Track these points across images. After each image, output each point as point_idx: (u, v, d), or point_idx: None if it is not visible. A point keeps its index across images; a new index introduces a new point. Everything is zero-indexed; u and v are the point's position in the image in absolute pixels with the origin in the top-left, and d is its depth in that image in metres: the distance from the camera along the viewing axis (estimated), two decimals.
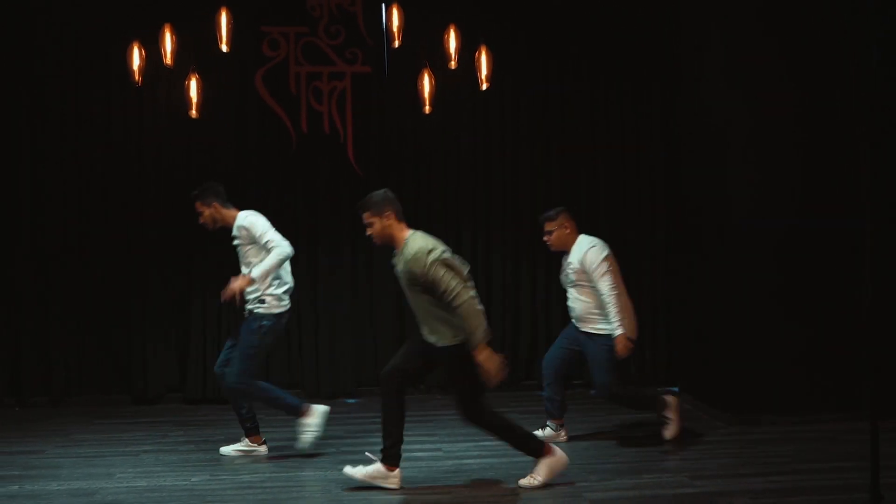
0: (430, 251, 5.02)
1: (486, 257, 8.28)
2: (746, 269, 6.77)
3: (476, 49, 7.69)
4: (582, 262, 6.22)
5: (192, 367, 8.01)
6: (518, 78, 8.20)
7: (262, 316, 6.01)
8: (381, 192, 5.30)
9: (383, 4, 7.79)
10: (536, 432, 6.20)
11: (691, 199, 7.63)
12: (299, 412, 6.08)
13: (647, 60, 8.21)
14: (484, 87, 7.73)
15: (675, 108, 7.99)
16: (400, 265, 5.21)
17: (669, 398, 6.32)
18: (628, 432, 6.66)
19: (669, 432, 6.23)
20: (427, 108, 7.78)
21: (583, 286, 6.26)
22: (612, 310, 6.06)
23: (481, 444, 6.30)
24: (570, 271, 6.33)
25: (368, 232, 5.25)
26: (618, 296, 6.11)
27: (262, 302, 6.01)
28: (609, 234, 8.18)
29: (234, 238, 6.14)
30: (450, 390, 5.25)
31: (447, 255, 5.07)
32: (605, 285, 6.10)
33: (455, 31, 7.55)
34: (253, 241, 6.00)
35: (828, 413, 6.65)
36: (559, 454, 5.24)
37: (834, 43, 6.66)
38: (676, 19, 7.84)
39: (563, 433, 6.45)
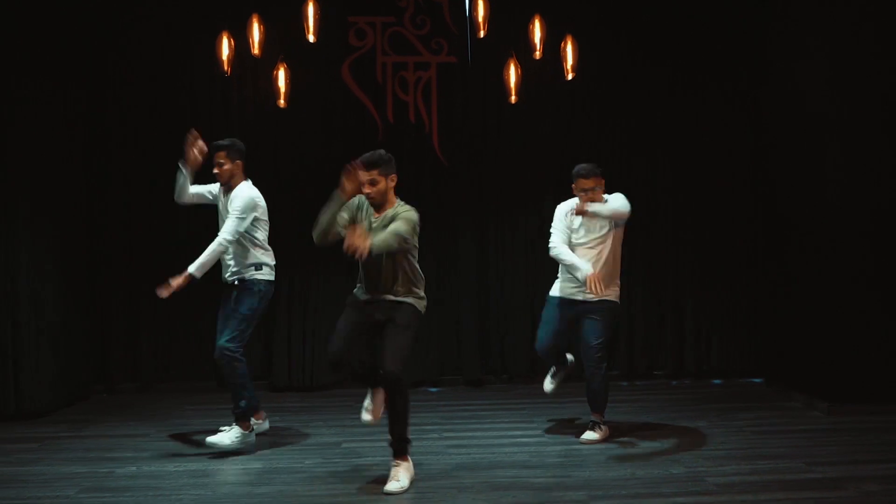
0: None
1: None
2: (841, 256, 6.73)
3: (561, 39, 7.71)
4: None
5: (278, 354, 8.07)
6: (604, 67, 8.21)
7: (259, 281, 5.99)
8: (386, 153, 5.16)
9: None
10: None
11: (782, 187, 7.59)
12: (255, 412, 6.12)
13: (734, 47, 8.18)
14: (570, 76, 7.75)
15: (763, 94, 7.93)
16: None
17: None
18: (728, 420, 6.64)
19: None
20: (513, 98, 7.82)
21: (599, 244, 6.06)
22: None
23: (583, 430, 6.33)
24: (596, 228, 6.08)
25: (369, 189, 5.06)
26: None
27: (259, 268, 6.00)
28: (694, 223, 8.25)
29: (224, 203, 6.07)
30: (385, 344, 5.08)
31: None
32: None
33: (540, 21, 7.57)
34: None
35: None
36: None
37: None
38: (767, 4, 7.79)
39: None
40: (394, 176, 5.16)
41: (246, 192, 5.99)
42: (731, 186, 8.28)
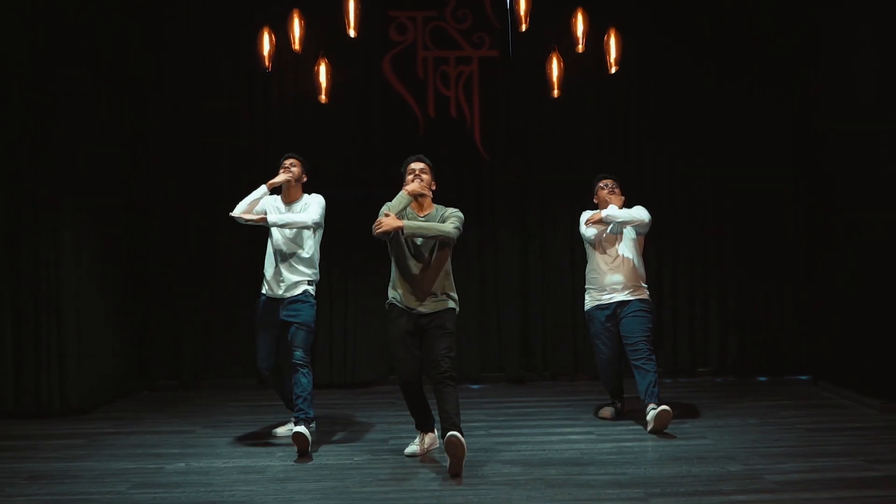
0: None
1: None
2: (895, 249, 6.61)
3: (604, 32, 7.61)
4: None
5: (318, 351, 8.02)
6: (647, 60, 8.11)
7: (313, 294, 6.03)
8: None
9: None
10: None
11: (831, 181, 7.45)
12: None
13: (781, 38, 8.06)
14: (612, 70, 7.65)
15: (812, 86, 7.79)
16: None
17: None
18: (779, 417, 6.54)
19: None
20: (555, 92, 7.71)
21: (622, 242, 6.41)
22: None
23: (632, 428, 6.25)
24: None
25: (424, 178, 5.41)
26: None
27: (312, 283, 6.04)
28: (739, 217, 8.13)
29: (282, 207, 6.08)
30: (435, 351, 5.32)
31: None
32: None
33: (583, 15, 7.44)
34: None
35: None
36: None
37: None
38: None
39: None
40: (434, 183, 5.54)
41: (321, 200, 6.06)
42: (777, 180, 8.16)
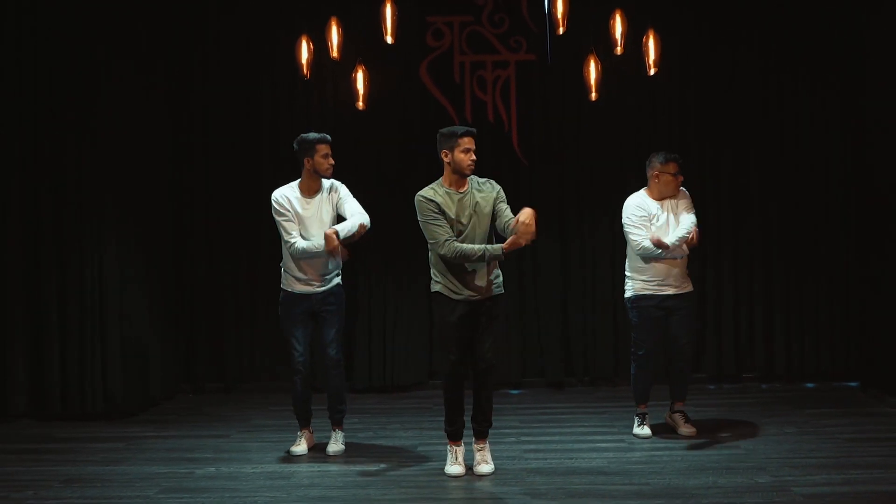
0: None
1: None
2: None
3: (643, 34, 7.51)
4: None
5: (358, 356, 8.09)
6: (687, 62, 7.99)
7: (341, 286, 5.95)
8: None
9: None
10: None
11: (882, 182, 7.23)
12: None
13: (827, 36, 7.84)
14: (652, 72, 7.54)
15: (861, 83, 7.57)
16: (485, 193, 5.38)
17: None
18: (819, 426, 6.38)
19: None
20: (594, 95, 7.62)
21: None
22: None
23: (664, 435, 6.17)
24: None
25: (473, 156, 5.35)
26: None
27: (339, 273, 5.93)
28: (785, 220, 7.95)
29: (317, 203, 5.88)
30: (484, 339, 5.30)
31: None
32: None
33: (621, 16, 7.34)
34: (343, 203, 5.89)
35: None
36: None
37: None
38: None
39: None
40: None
41: (347, 190, 5.99)
42: (827, 181, 7.95)
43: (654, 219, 6.16)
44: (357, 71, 7.74)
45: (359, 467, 5.60)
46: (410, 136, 8.05)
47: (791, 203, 7.96)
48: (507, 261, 8.03)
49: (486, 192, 5.41)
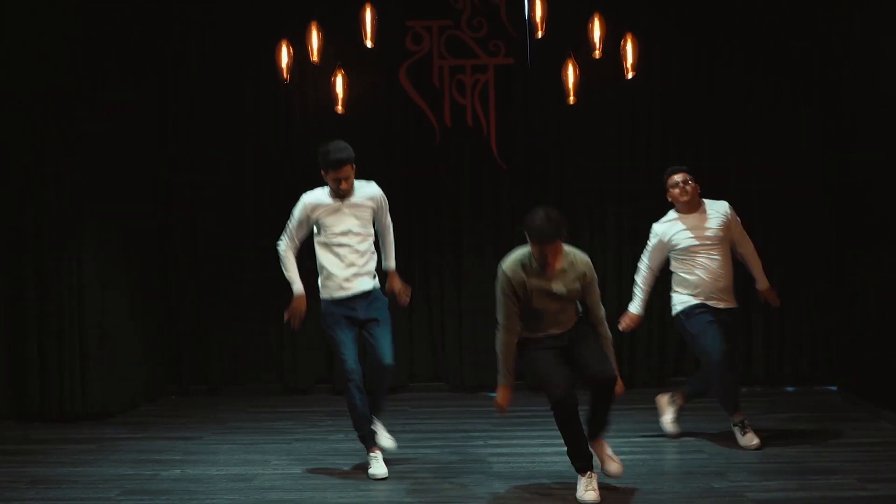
0: None
1: (630, 249, 8.07)
2: None
3: (622, 37, 7.51)
4: (728, 217, 6.09)
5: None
6: (666, 66, 7.98)
7: (380, 290, 5.75)
8: (547, 217, 4.92)
9: None
10: None
11: (861, 187, 7.20)
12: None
13: (806, 40, 7.82)
14: (630, 75, 7.54)
15: (840, 88, 7.54)
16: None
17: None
18: (789, 430, 6.37)
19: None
20: (571, 99, 7.62)
21: (723, 248, 6.04)
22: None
23: (634, 440, 6.17)
24: (711, 231, 6.04)
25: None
26: None
27: (375, 276, 5.76)
28: (766, 223, 7.92)
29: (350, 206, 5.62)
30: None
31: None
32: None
33: (600, 20, 7.36)
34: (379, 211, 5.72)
35: None
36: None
37: None
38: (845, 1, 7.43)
39: None
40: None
41: (378, 190, 5.76)
42: (807, 184, 7.91)
43: (676, 236, 6.05)
44: (336, 75, 7.80)
45: (322, 470, 5.64)
46: (390, 139, 8.09)
47: (771, 207, 7.94)
48: (488, 265, 8.13)
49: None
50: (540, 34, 7.26)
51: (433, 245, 8.17)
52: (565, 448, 5.03)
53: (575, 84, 7.61)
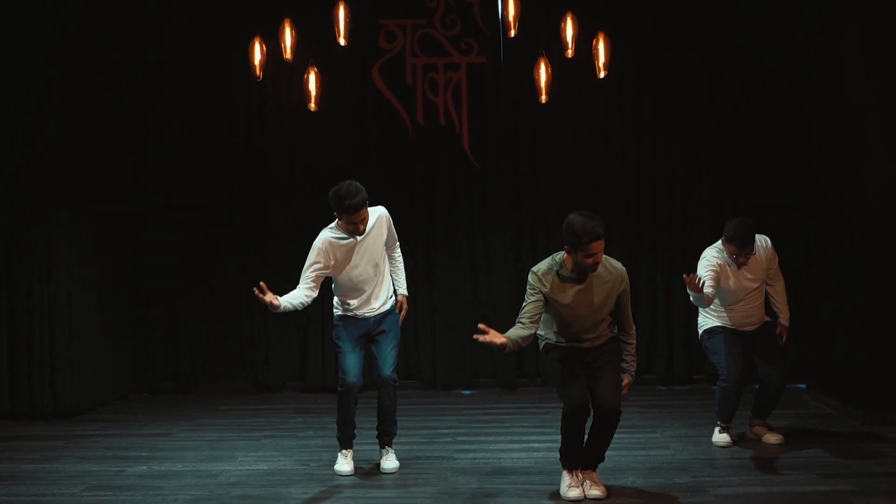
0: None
1: (605, 249, 8.10)
2: (885, 259, 6.40)
3: (594, 37, 7.55)
4: (768, 256, 6.02)
5: (312, 357, 8.14)
6: (638, 65, 8.02)
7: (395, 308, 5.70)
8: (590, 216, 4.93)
9: None
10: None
11: (823, 184, 7.27)
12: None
13: (775, 45, 7.88)
14: (602, 74, 7.57)
15: (806, 95, 7.61)
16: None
17: None
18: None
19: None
20: (543, 98, 7.66)
21: (761, 288, 6.02)
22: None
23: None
24: (755, 284, 5.96)
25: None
26: None
27: (392, 297, 5.69)
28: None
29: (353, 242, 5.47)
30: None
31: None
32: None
33: (572, 19, 7.40)
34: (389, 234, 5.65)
35: None
36: None
37: None
38: (809, 3, 7.49)
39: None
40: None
41: (385, 213, 5.64)
42: (776, 185, 7.98)
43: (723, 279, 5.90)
44: (309, 72, 7.80)
45: (289, 466, 5.66)
46: (363, 137, 8.10)
47: (742, 206, 7.96)
48: (462, 263, 8.17)
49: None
50: (513, 33, 7.30)
51: (405, 243, 8.10)
52: (559, 445, 4.97)
53: (547, 83, 7.65)
